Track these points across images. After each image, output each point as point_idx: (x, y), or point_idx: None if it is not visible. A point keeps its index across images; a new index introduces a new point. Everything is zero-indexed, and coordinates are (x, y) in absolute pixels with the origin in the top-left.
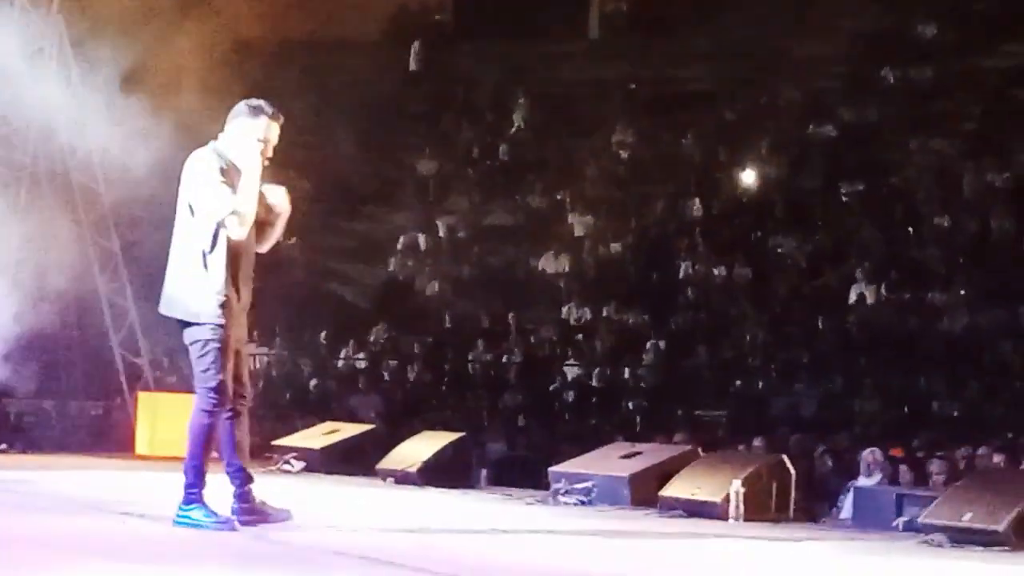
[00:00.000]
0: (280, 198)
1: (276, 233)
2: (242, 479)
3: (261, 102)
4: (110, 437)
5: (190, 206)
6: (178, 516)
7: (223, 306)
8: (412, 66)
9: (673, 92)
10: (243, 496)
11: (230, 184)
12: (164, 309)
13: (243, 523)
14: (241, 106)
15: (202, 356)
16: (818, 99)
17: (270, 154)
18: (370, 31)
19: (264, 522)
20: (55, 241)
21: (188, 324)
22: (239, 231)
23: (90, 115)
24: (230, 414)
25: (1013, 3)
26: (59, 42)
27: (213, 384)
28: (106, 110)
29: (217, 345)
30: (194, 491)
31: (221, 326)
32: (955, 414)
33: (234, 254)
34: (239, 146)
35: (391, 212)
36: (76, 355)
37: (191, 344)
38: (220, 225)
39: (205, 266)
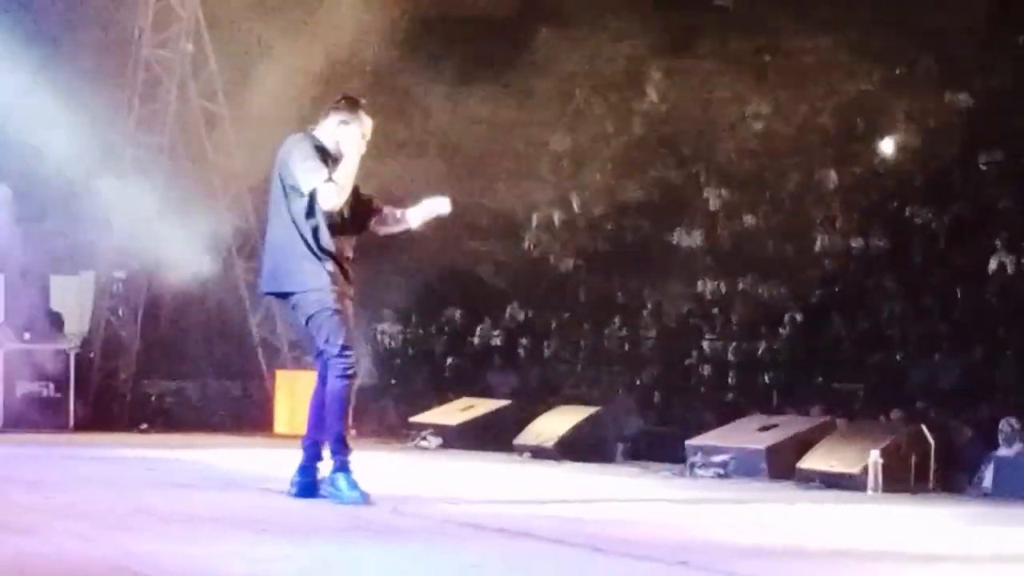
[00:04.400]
0: (444, 207)
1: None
2: (314, 454)
3: (357, 96)
4: (249, 416)
5: (284, 184)
6: (326, 484)
7: (329, 273)
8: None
9: (807, 63)
10: (306, 470)
11: (324, 161)
12: (269, 287)
13: (295, 496)
14: (337, 101)
15: (321, 325)
16: (954, 67)
17: (363, 149)
18: (500, 9)
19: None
20: (192, 221)
21: (296, 296)
22: (333, 200)
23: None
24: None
25: None
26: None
27: (337, 350)
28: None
29: (331, 311)
30: (341, 458)
31: (329, 290)
32: None
33: (332, 227)
34: (335, 135)
35: (525, 188)
36: (215, 335)
37: (308, 317)
38: (314, 195)
39: (304, 239)
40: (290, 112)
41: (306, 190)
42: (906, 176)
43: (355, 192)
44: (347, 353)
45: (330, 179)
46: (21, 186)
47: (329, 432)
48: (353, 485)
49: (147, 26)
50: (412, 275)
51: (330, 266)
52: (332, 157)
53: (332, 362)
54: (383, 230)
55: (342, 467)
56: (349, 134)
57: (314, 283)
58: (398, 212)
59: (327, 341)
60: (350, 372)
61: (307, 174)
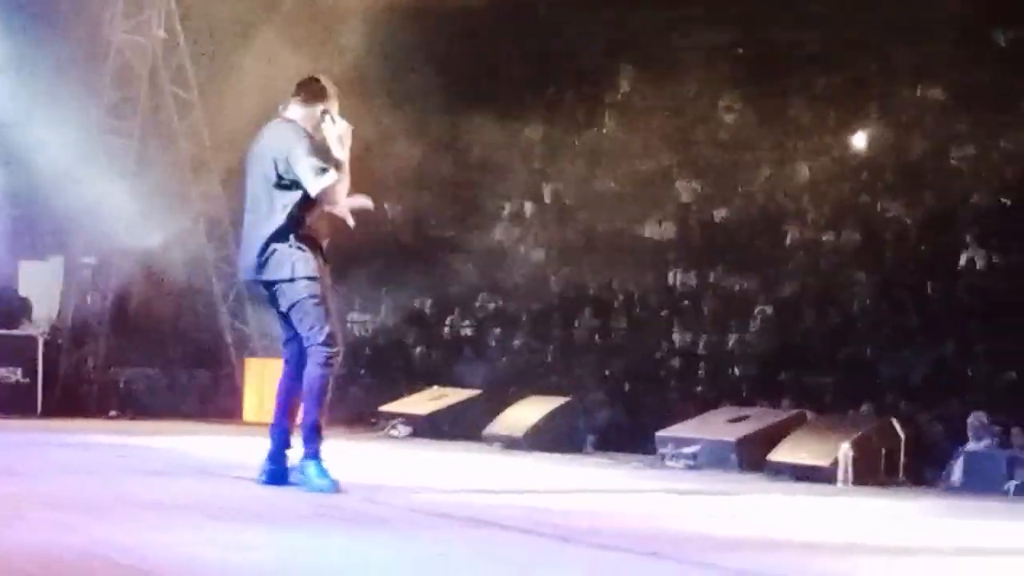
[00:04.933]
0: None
1: (344, 187)
2: (283, 441)
3: (325, 80)
4: (217, 404)
5: (279, 175)
6: (296, 472)
7: (317, 263)
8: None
9: (780, 56)
10: (275, 458)
11: (321, 154)
12: (254, 275)
13: (264, 483)
14: (308, 84)
15: (306, 313)
16: (928, 62)
17: (346, 134)
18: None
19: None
20: (163, 208)
21: (282, 285)
22: (340, 198)
23: (199, 83)
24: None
25: None
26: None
27: (323, 338)
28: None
29: (317, 299)
30: (313, 446)
31: (317, 279)
32: None
33: (316, 214)
34: (315, 120)
35: (497, 179)
36: (184, 323)
37: (292, 304)
38: (324, 193)
39: (293, 228)
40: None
41: (315, 192)
42: (878, 170)
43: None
44: (331, 343)
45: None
46: None
47: (304, 419)
48: (323, 473)
49: (118, 12)
50: (382, 264)
51: (318, 256)
52: (320, 145)
53: (314, 350)
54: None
55: (313, 455)
56: (329, 122)
57: (305, 271)
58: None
59: (311, 329)
60: (332, 362)
61: (315, 175)
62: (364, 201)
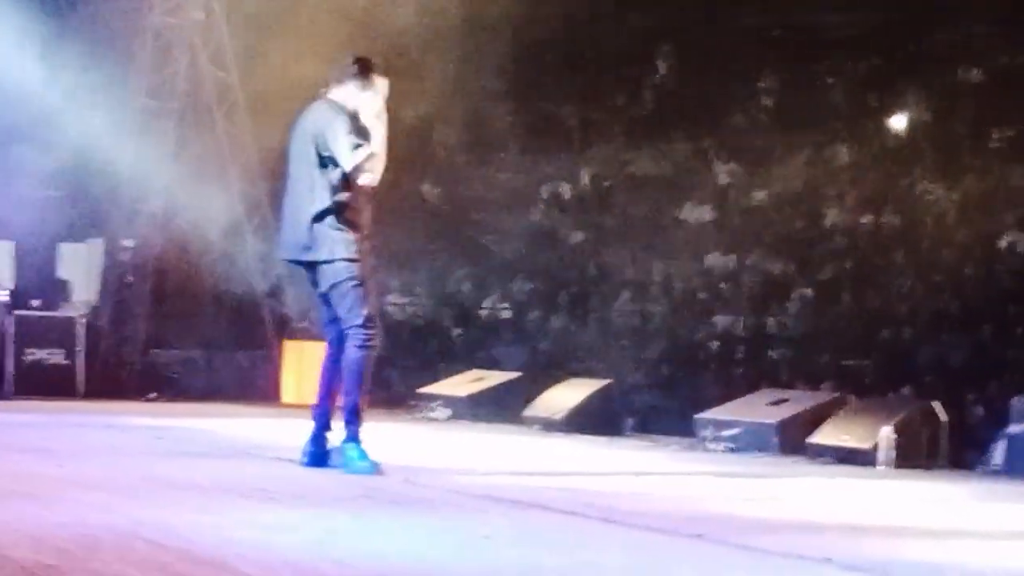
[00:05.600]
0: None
1: (380, 163)
2: (325, 423)
3: (372, 60)
4: (257, 386)
5: (320, 155)
6: (337, 454)
7: (356, 242)
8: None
9: (820, 38)
10: (317, 440)
11: (359, 133)
12: (294, 254)
13: (306, 465)
14: (352, 64)
15: (346, 295)
16: (969, 44)
17: (384, 114)
18: None
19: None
20: (202, 190)
21: (322, 265)
22: (374, 176)
23: (237, 64)
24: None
25: None
26: None
27: (360, 320)
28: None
29: (357, 280)
30: (354, 428)
31: (357, 261)
32: None
33: (358, 195)
34: (354, 100)
35: (535, 161)
36: (223, 305)
37: (332, 285)
38: (358, 170)
39: (333, 208)
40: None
41: (349, 167)
42: (918, 152)
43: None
44: (369, 325)
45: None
46: (31, 154)
47: (345, 402)
48: (363, 455)
49: None
50: (420, 246)
51: (359, 238)
52: (360, 125)
53: (353, 332)
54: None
55: (353, 437)
56: (369, 101)
57: (345, 253)
58: None
59: (350, 311)
60: (371, 343)
61: (350, 151)
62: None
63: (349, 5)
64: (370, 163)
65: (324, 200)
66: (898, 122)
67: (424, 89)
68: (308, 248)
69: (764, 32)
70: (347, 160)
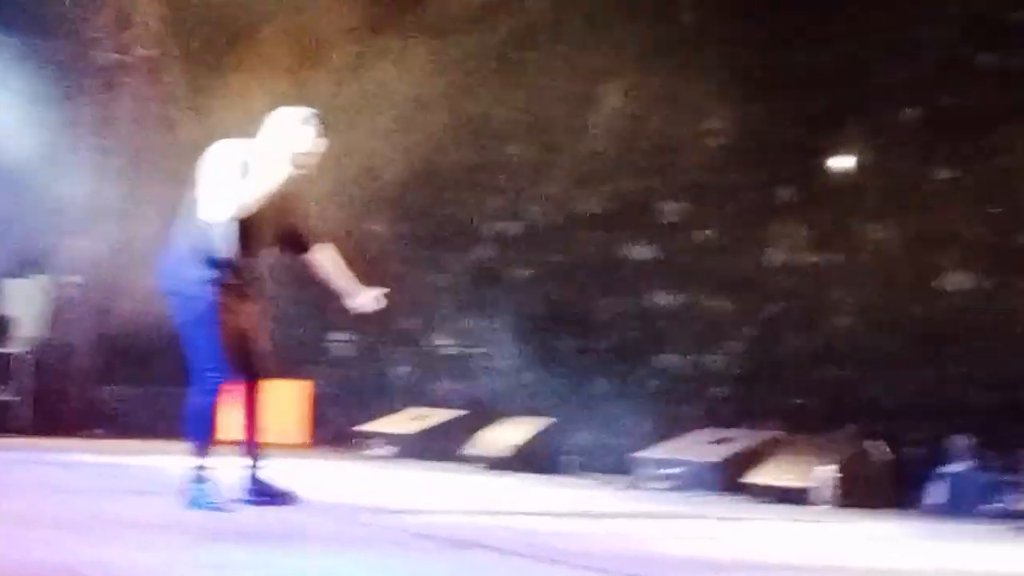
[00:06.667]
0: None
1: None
2: (254, 458)
3: (308, 112)
4: None
5: (197, 191)
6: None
7: (215, 284)
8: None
9: (768, 77)
10: (250, 477)
11: (238, 177)
12: (159, 282)
13: (251, 503)
14: (287, 112)
15: (193, 335)
16: (911, 84)
17: (304, 170)
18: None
19: (272, 503)
20: (148, 225)
21: (177, 298)
22: (226, 217)
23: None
24: (246, 391)
25: None
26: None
27: (205, 365)
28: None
29: (207, 322)
30: (197, 469)
31: (211, 303)
32: None
33: (241, 234)
34: (273, 149)
35: (480, 198)
36: (166, 342)
37: (184, 322)
38: (210, 217)
39: (202, 244)
40: (251, 118)
41: (202, 214)
42: (860, 192)
43: (289, 220)
44: (215, 370)
45: (231, 204)
46: None
47: (191, 442)
48: (204, 494)
49: (104, 28)
50: (364, 283)
51: (219, 277)
52: (260, 169)
53: (198, 376)
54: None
55: (200, 479)
56: (275, 150)
57: (196, 291)
58: (331, 282)
59: (197, 352)
60: (214, 390)
61: (207, 197)
62: (372, 302)
63: (304, 44)
64: (230, 203)
65: (192, 232)
66: (841, 162)
67: (374, 127)
68: (170, 278)
69: (711, 71)
70: (206, 211)
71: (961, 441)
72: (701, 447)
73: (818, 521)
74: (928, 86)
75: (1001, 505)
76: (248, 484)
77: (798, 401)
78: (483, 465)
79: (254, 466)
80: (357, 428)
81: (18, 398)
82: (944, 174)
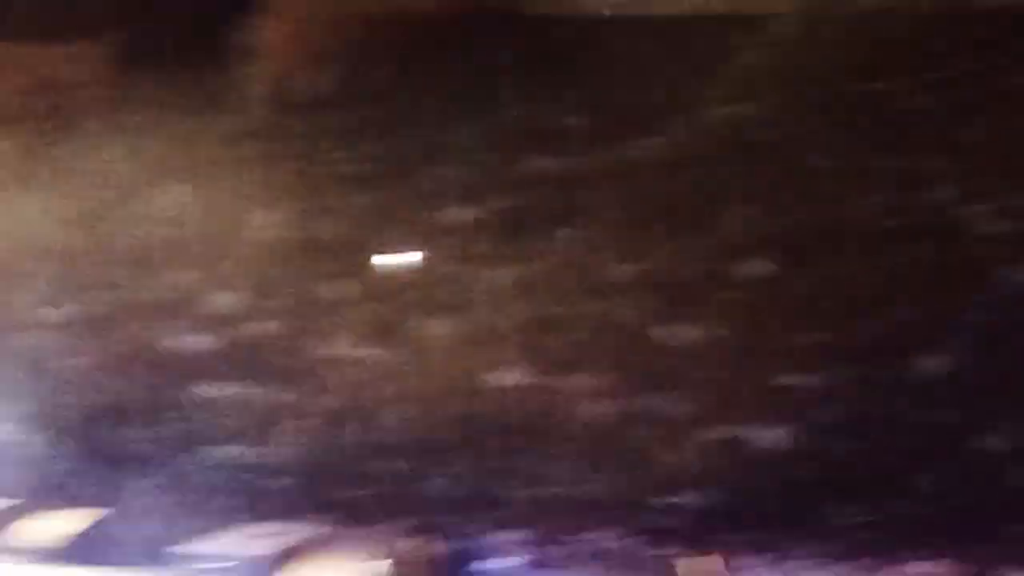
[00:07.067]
0: None
1: None
2: None
3: None
4: None
5: None
6: None
7: None
8: None
9: (325, 173)
10: None
11: None
12: None
13: None
14: None
15: None
16: (465, 186)
17: None
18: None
19: None
20: None
21: None
22: None
23: None
24: None
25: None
26: None
27: None
28: None
29: None
30: None
31: None
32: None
33: None
34: None
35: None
36: None
37: None
38: None
39: None
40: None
41: None
42: (413, 289)
43: None
44: None
45: None
46: None
47: None
48: None
49: None
50: None
51: None
52: None
53: None
54: None
55: None
56: None
57: None
58: None
59: None
60: None
61: None
62: None
63: None
64: None
65: None
66: (398, 258)
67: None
68: None
69: (269, 167)
70: None
71: (505, 537)
72: (247, 541)
73: None
74: (479, 189)
75: None
76: None
77: (353, 494)
78: (31, 557)
79: None
80: None
81: None
82: (490, 274)
